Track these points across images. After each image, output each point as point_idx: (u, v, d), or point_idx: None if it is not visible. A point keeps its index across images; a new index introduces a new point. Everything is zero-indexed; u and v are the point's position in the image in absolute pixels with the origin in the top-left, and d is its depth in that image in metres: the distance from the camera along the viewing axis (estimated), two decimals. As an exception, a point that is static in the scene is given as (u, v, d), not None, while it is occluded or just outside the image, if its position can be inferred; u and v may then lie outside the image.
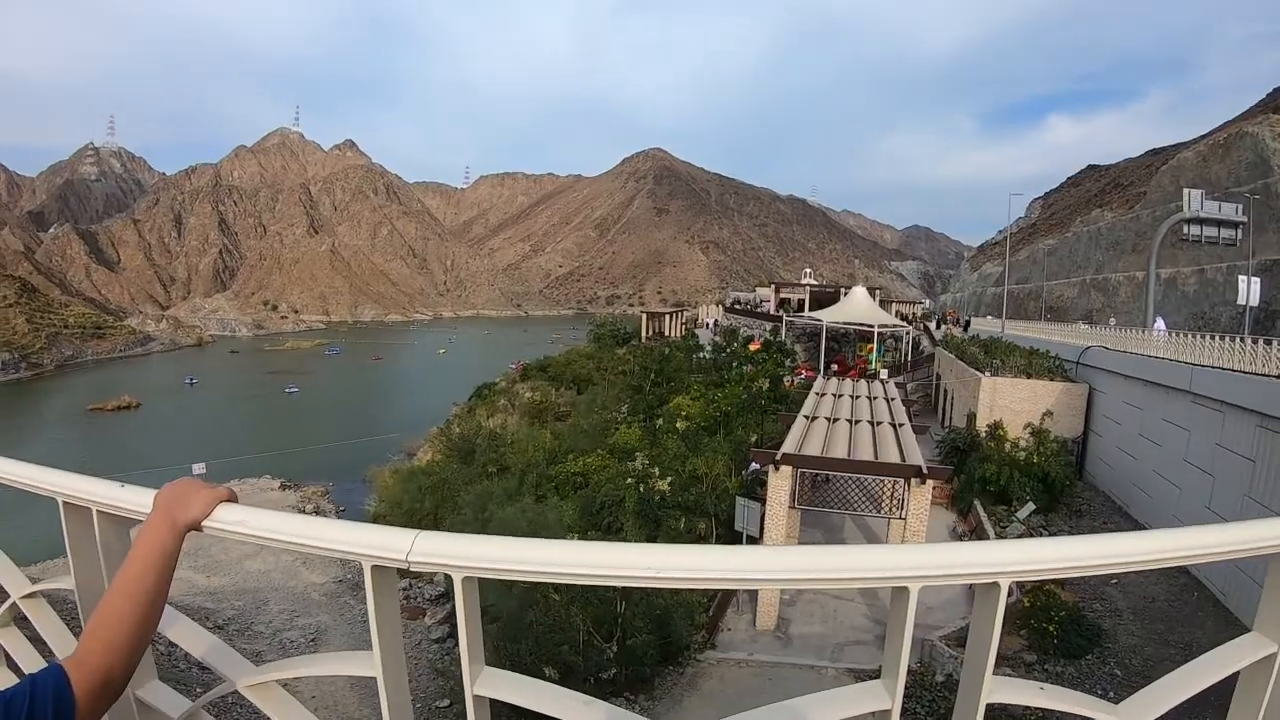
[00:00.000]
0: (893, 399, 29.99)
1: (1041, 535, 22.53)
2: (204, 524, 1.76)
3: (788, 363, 51.11)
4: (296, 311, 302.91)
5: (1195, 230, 42.43)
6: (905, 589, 1.62)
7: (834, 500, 20.79)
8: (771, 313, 73.20)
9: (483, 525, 24.93)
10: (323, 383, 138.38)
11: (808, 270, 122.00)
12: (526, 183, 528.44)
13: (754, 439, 28.06)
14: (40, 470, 2.40)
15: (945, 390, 41.94)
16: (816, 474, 20.65)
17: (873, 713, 1.68)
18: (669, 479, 22.81)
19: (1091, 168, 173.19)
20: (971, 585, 1.67)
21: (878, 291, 76.68)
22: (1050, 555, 1.64)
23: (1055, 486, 25.79)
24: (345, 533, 1.82)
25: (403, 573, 1.82)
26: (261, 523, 1.87)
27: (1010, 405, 30.66)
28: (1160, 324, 33.80)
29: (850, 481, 20.29)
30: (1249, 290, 34.61)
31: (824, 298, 70.33)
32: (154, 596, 1.57)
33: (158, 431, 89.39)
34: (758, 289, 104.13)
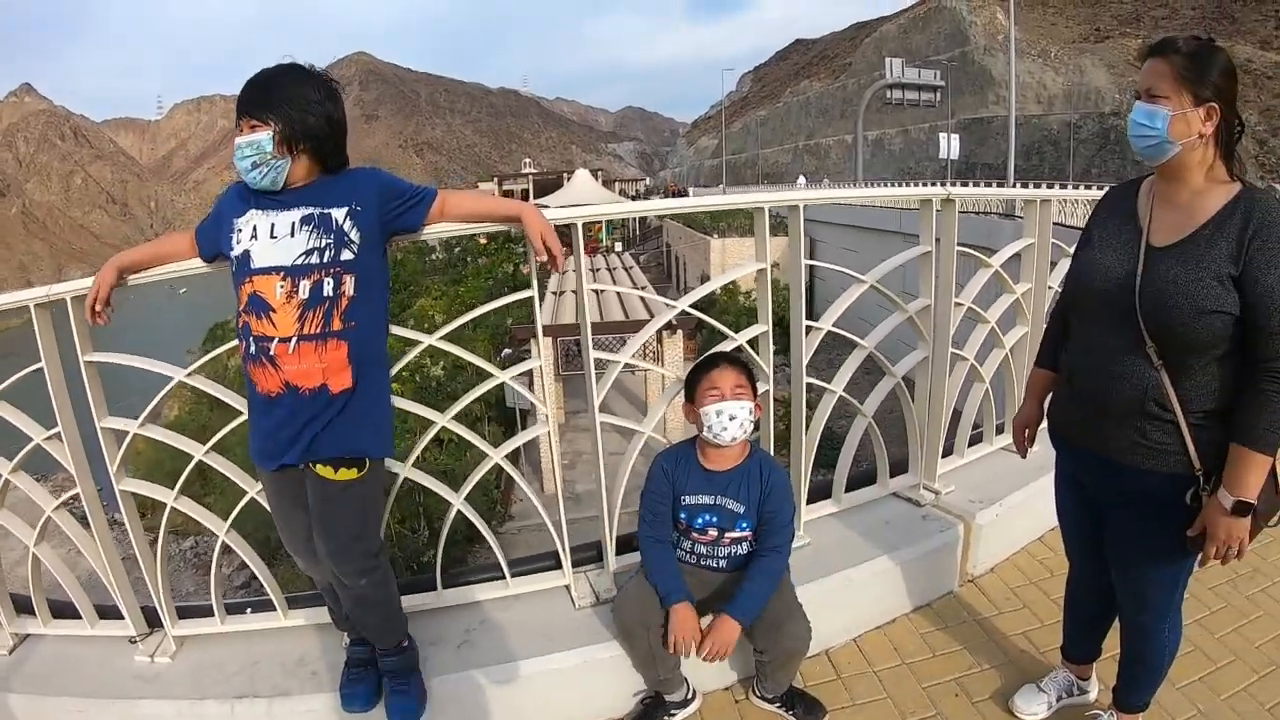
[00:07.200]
0: (630, 268, 31.79)
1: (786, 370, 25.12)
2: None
3: (520, 249, 51.88)
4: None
5: (897, 95, 46.86)
6: (796, 207, 3.10)
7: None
8: (498, 206, 73.44)
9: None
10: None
11: (527, 161, 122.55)
12: (225, 105, 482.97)
13: (510, 322, 28.88)
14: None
15: (677, 257, 44.15)
16: (574, 341, 22.02)
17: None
18: (440, 364, 23.30)
19: (799, 42, 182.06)
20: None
21: (599, 173, 78.50)
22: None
23: (788, 327, 28.47)
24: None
25: None
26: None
27: (739, 262, 32.95)
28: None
29: (607, 344, 21.70)
30: (949, 146, 38.53)
31: (548, 185, 71.17)
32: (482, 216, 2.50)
33: None
34: (479, 184, 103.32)
